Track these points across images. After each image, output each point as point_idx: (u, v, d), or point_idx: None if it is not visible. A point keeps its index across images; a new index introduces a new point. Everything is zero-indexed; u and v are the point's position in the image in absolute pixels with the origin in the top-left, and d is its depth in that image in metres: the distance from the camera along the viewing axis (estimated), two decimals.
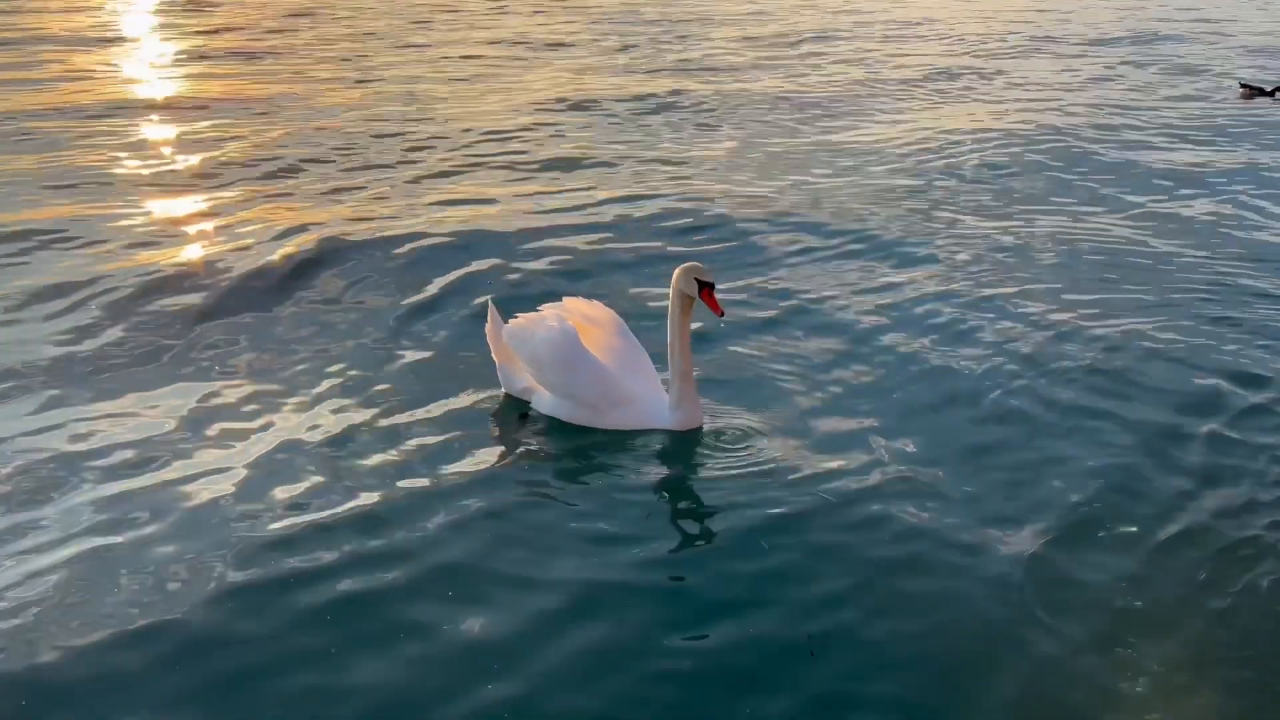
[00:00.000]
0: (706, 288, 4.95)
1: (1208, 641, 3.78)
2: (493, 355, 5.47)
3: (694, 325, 5.25)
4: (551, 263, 7.67)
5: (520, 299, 6.77)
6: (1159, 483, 4.72)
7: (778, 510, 4.45)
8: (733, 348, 6.17)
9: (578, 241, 8.15)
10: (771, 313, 6.78)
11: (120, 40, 19.38)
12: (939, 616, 3.85)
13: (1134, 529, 4.39)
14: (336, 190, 9.47)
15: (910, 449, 5.00)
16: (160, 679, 3.50)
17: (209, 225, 8.47)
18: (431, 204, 9.11)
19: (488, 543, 4.23)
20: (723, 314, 5.12)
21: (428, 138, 11.63)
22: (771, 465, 4.81)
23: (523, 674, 3.52)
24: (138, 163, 10.45)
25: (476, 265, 7.55)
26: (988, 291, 7.14)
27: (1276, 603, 3.97)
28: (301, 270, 7.37)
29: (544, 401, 5.23)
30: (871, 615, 3.84)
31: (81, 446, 4.93)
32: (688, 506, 4.62)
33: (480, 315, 5.55)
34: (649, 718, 3.39)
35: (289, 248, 7.79)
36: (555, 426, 5.17)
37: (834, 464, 4.83)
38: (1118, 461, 4.88)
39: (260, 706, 3.41)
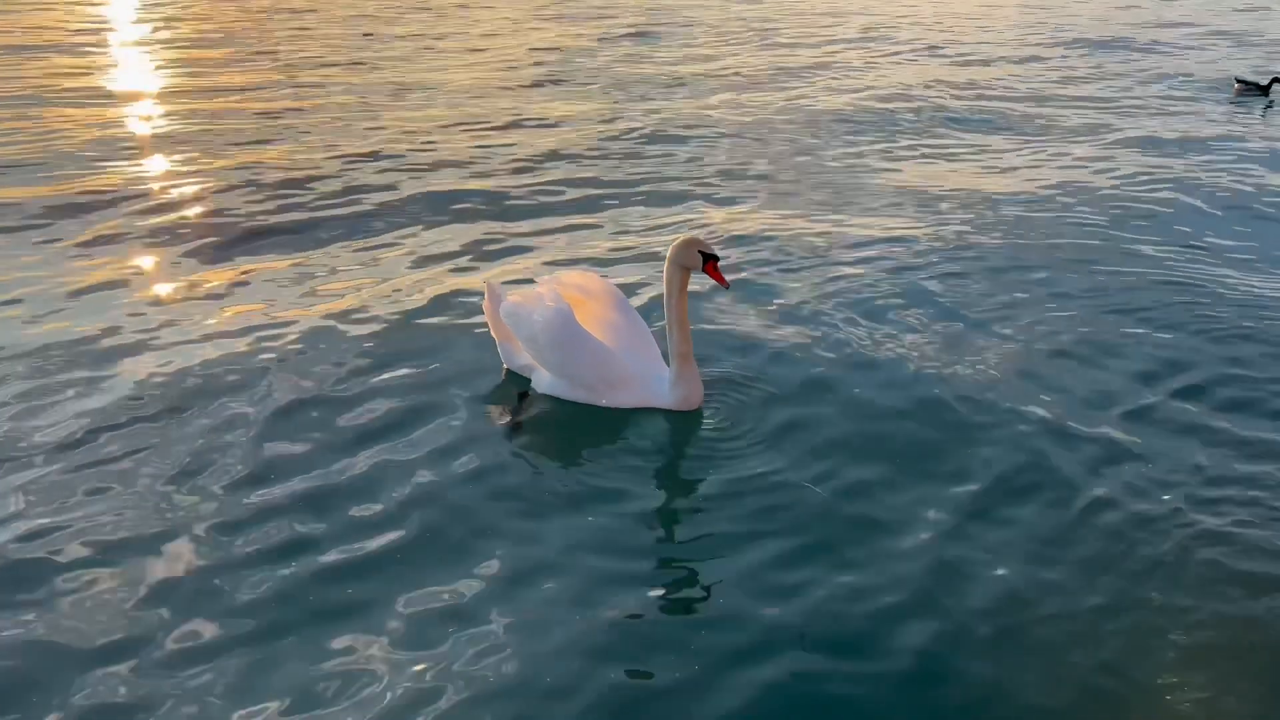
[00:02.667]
0: (711, 260, 4.87)
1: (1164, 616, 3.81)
2: (492, 333, 5.43)
3: (692, 304, 5.23)
4: (550, 241, 7.67)
5: (518, 275, 6.80)
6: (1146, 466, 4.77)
7: (774, 491, 4.44)
8: (733, 326, 6.16)
9: (574, 222, 8.15)
10: (771, 292, 6.77)
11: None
12: (936, 602, 3.82)
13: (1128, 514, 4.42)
14: (328, 178, 9.40)
15: (912, 430, 4.99)
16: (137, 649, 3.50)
17: (199, 206, 8.43)
18: (430, 191, 9.07)
19: (480, 519, 4.23)
20: (729, 285, 5.06)
21: (421, 126, 11.60)
22: (770, 445, 4.79)
23: (511, 650, 3.51)
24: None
25: (476, 245, 7.53)
26: (981, 278, 7.14)
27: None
28: (297, 252, 7.35)
29: (543, 380, 5.18)
30: (866, 601, 3.80)
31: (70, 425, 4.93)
32: (684, 488, 4.58)
33: (481, 291, 5.56)
34: (637, 693, 3.37)
35: (285, 231, 7.79)
36: (555, 404, 5.13)
37: (834, 446, 4.81)
38: (1129, 454, 4.86)
39: (252, 665, 3.43)
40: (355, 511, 4.25)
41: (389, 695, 3.32)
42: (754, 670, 3.46)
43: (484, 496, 4.39)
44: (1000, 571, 3.99)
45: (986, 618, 3.74)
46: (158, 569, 3.88)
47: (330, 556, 3.98)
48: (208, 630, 3.58)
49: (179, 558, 3.95)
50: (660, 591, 3.84)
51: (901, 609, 3.77)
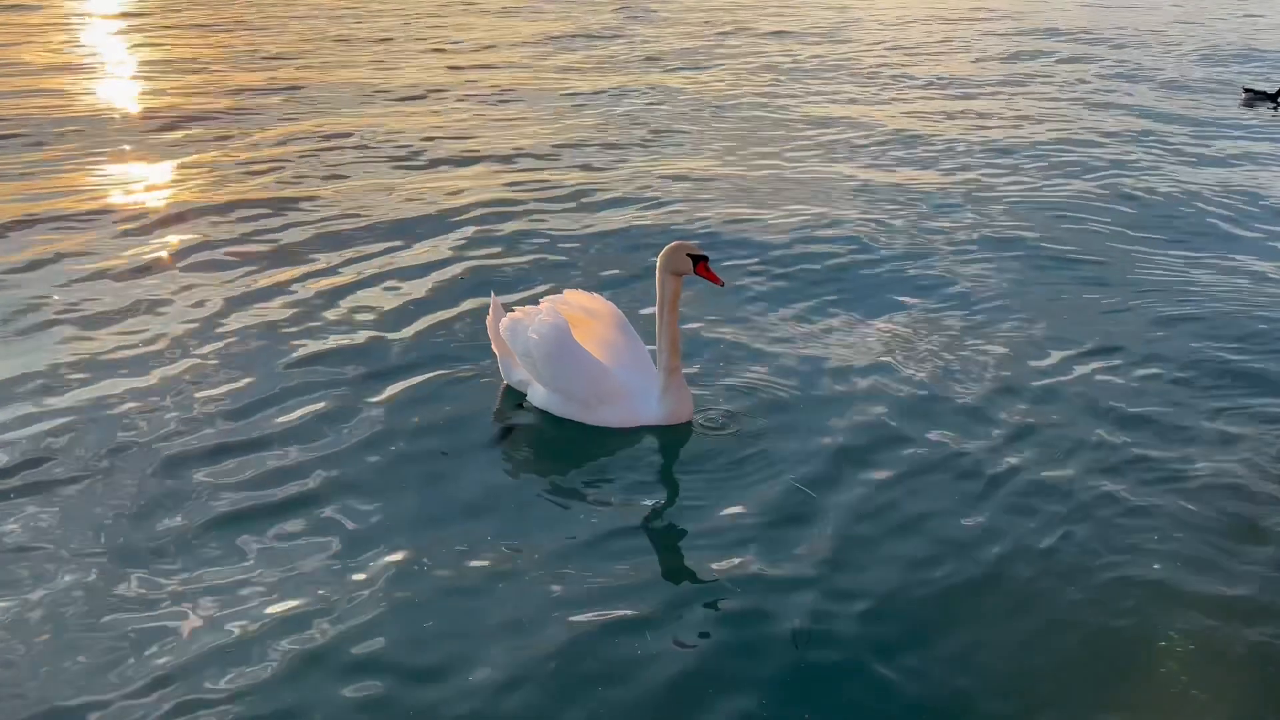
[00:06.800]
0: (701, 261, 4.92)
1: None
2: (493, 347, 5.56)
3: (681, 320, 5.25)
4: (557, 256, 7.75)
5: (524, 290, 6.91)
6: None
7: (764, 506, 4.51)
8: (723, 339, 6.25)
9: (582, 236, 8.25)
10: (760, 300, 6.90)
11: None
12: (929, 606, 3.96)
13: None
14: (334, 178, 9.56)
15: (902, 443, 5.08)
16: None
17: (197, 213, 8.54)
18: (437, 195, 9.14)
19: (464, 531, 4.32)
20: (723, 284, 5.11)
21: (422, 131, 11.61)
22: (759, 460, 4.87)
23: (483, 658, 3.61)
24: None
25: (483, 256, 7.66)
26: (977, 282, 7.32)
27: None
28: (307, 256, 7.50)
29: (538, 395, 5.29)
30: (856, 606, 3.92)
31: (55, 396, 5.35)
32: (671, 502, 4.65)
33: (486, 306, 5.67)
34: (622, 708, 3.44)
35: (295, 234, 7.94)
36: (546, 419, 5.23)
37: (824, 458, 4.92)
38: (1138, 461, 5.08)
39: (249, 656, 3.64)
40: (332, 519, 4.38)
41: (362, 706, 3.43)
42: (742, 679, 3.55)
43: (469, 509, 4.48)
44: (1006, 577, 4.16)
45: (1003, 619, 3.92)
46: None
47: (300, 560, 4.10)
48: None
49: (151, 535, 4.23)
50: (640, 606, 3.90)
51: (890, 616, 3.89)
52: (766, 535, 4.34)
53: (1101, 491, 4.78)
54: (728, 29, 21.25)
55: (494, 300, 5.59)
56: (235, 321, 6.37)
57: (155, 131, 11.05)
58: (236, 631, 3.74)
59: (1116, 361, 6.17)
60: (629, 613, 3.88)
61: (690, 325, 6.33)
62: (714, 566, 4.17)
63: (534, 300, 5.62)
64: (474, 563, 4.17)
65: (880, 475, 4.82)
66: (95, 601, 3.90)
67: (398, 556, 4.18)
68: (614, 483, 4.78)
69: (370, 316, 6.52)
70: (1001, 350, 6.23)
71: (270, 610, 3.85)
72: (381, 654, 3.67)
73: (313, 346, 6.06)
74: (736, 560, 4.18)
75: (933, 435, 5.20)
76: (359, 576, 4.05)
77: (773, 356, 6.03)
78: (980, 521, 4.51)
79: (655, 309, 5.05)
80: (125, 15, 20.32)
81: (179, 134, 10.96)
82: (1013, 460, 4.99)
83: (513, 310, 5.40)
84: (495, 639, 3.74)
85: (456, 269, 7.41)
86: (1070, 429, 5.35)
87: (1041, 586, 4.14)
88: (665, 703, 3.47)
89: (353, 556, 4.17)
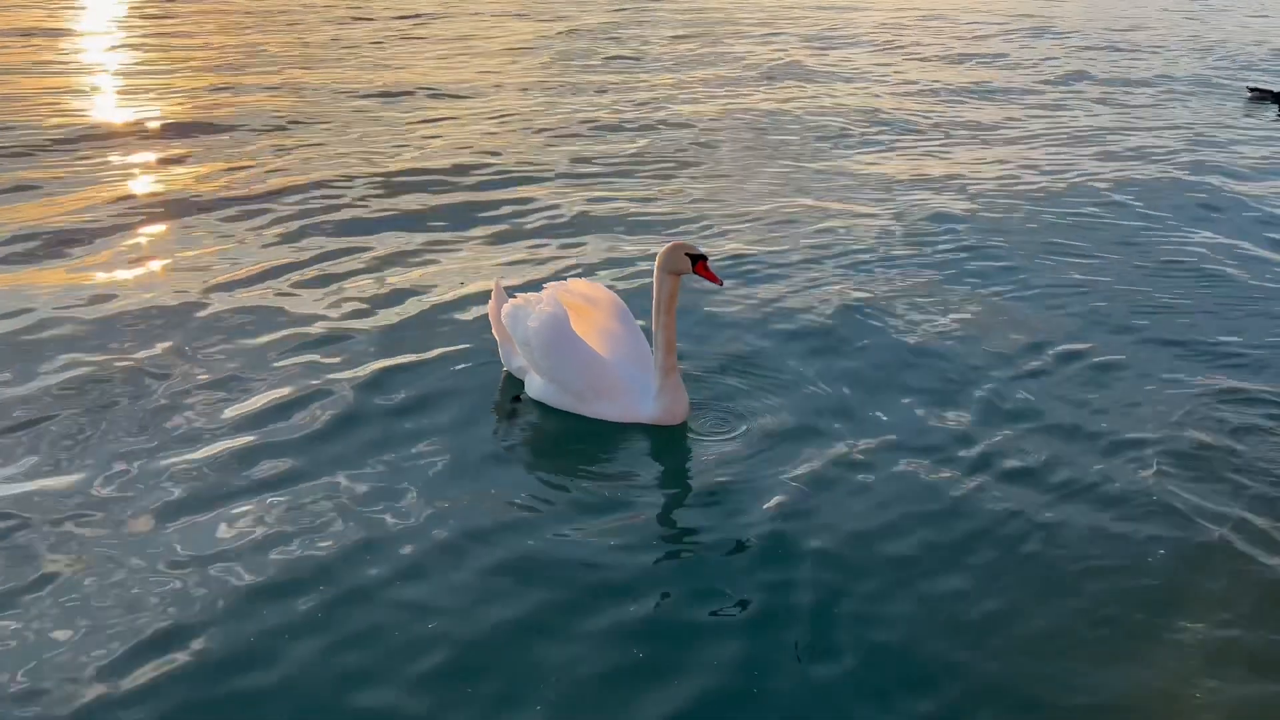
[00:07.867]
0: (700, 260, 4.87)
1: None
2: (494, 332, 5.49)
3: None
4: (557, 249, 7.72)
5: (527, 270, 6.93)
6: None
7: (746, 503, 4.45)
8: (720, 340, 6.16)
9: (582, 230, 8.24)
10: (757, 299, 6.83)
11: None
12: (925, 612, 3.88)
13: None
14: (332, 174, 9.51)
15: (894, 445, 5.01)
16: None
17: (215, 201, 8.58)
18: (437, 190, 9.13)
19: (447, 524, 4.25)
20: (722, 283, 5.08)
21: (420, 128, 11.62)
22: (754, 462, 4.78)
23: (453, 650, 3.57)
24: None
25: (482, 248, 7.61)
26: (978, 284, 7.27)
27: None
28: (304, 248, 7.48)
29: (534, 385, 5.21)
30: (851, 613, 3.86)
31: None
32: (661, 503, 4.54)
33: (489, 292, 5.60)
34: (603, 705, 3.39)
35: (293, 228, 7.90)
36: (542, 412, 5.16)
37: (816, 458, 4.83)
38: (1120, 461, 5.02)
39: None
40: (312, 500, 4.36)
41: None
42: (714, 663, 3.52)
43: (450, 495, 4.43)
44: (998, 565, 4.15)
45: (998, 621, 3.86)
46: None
47: (276, 540, 4.08)
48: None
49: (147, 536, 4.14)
50: (620, 607, 3.82)
51: (905, 620, 3.82)
52: (755, 534, 4.27)
53: (1091, 474, 4.84)
54: (723, 30, 21.22)
55: (497, 285, 5.50)
56: (228, 309, 6.32)
57: (147, 127, 10.97)
58: (215, 608, 3.73)
59: (1101, 348, 6.19)
60: (603, 600, 3.85)
61: (684, 323, 6.18)
62: (692, 562, 4.15)
63: (536, 287, 5.51)
64: (450, 550, 4.12)
65: (873, 473, 4.78)
66: (71, 576, 3.88)
67: (370, 537, 4.15)
68: (601, 478, 4.70)
69: (368, 306, 6.50)
70: (992, 342, 6.22)
71: (243, 587, 3.84)
72: (352, 637, 3.64)
73: (309, 332, 6.03)
74: (720, 558, 4.16)
75: (921, 428, 5.17)
76: (327, 558, 4.02)
77: (769, 355, 5.97)
78: (964, 511, 4.50)
79: (652, 307, 4.99)
80: (120, 16, 20.22)
81: (173, 131, 10.88)
82: (1002, 450, 4.99)
83: (515, 296, 5.33)
84: (466, 624, 3.72)
85: (456, 261, 7.36)
86: (1053, 418, 5.35)
87: (1032, 570, 4.17)
88: (638, 688, 3.45)
89: (327, 539, 4.13)
